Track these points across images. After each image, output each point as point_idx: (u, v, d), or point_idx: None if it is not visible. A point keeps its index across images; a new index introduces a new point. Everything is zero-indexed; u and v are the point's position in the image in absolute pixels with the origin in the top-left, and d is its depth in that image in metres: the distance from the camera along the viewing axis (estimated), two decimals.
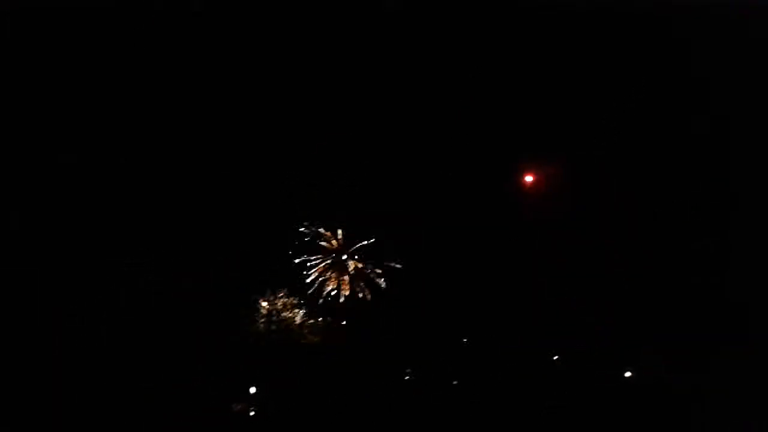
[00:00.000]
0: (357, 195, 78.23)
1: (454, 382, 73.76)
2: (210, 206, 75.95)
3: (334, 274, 79.44)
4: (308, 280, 78.94)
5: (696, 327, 72.40)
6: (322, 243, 79.48)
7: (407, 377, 74.70)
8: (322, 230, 79.38)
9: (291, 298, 78.09)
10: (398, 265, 78.49)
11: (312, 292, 79.06)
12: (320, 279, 79.39)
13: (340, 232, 79.44)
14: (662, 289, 74.98)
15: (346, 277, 79.49)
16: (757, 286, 72.50)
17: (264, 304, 77.43)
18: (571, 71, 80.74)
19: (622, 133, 79.52)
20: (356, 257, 79.59)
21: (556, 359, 74.65)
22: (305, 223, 79.10)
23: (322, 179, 78.09)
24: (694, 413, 68.89)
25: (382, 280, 78.94)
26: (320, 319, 78.80)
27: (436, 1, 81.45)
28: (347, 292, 79.37)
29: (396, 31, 79.94)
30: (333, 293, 79.50)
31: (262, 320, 77.02)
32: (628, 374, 73.19)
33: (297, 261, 78.56)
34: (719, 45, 78.43)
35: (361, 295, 79.24)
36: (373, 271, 79.35)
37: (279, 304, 77.71)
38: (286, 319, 77.58)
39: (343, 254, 79.66)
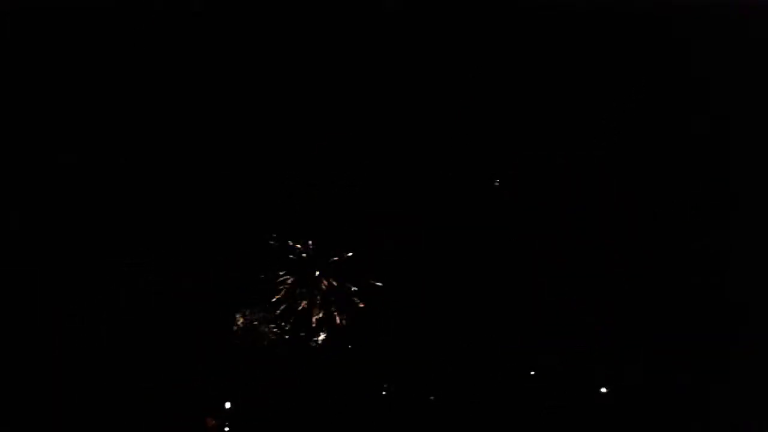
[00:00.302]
0: (338, 201, 74.18)
1: (431, 397, 71.06)
2: (206, 208, 75.82)
3: (304, 291, 72.03)
4: (274, 300, 72.21)
5: (696, 327, 72.40)
6: (291, 256, 72.10)
7: (384, 392, 71.31)
8: (290, 242, 71.85)
9: (265, 313, 72.77)
10: (378, 283, 72.05)
11: (284, 309, 72.44)
12: (290, 296, 72.09)
13: (310, 243, 71.59)
14: (662, 289, 74.97)
15: (318, 296, 71.91)
16: (757, 286, 72.58)
17: (239, 318, 73.40)
18: (571, 71, 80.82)
19: (622, 133, 79.61)
20: (329, 273, 71.82)
21: (556, 359, 74.47)
22: (273, 235, 72.05)
23: (307, 183, 75.67)
24: (694, 413, 68.95)
25: (356, 299, 72.36)
26: (293, 335, 73.05)
27: (436, 1, 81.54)
28: (320, 314, 71.95)
29: (396, 31, 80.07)
30: (305, 312, 72.50)
31: (237, 334, 73.42)
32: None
33: (263, 276, 71.67)
34: (719, 45, 78.56)
35: (338, 320, 72.13)
36: (349, 290, 72.17)
37: (254, 318, 73.18)
38: (260, 334, 73.27)
39: (315, 270, 71.92)
